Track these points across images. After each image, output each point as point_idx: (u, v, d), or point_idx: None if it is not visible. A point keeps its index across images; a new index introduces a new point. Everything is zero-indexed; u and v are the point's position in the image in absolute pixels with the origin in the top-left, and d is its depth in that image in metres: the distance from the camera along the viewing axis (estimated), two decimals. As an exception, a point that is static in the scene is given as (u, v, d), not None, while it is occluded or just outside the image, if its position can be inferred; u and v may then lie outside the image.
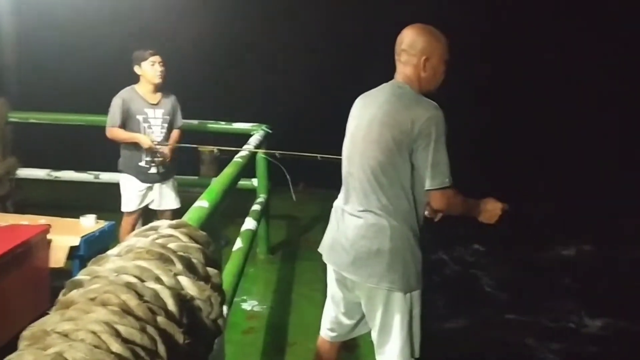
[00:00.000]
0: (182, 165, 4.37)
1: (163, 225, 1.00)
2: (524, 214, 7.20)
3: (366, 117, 2.18)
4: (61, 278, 3.01)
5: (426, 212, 2.22)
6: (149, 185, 3.98)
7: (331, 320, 2.40)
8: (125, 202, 3.98)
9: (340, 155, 2.32)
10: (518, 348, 4.72)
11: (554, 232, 7.18)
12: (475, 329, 4.94)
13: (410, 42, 2.13)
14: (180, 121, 4.09)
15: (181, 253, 0.92)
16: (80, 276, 0.82)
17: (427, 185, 2.06)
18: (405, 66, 2.15)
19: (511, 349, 4.69)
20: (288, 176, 3.69)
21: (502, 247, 6.67)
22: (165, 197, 4.06)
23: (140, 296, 0.75)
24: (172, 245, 0.93)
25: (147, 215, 4.05)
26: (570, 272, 6.19)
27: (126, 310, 0.72)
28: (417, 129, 2.01)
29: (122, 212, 4.00)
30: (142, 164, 3.91)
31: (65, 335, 0.66)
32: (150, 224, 0.99)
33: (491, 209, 2.22)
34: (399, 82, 2.17)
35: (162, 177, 4.00)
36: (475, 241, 6.79)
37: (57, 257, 3.08)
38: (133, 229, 3.84)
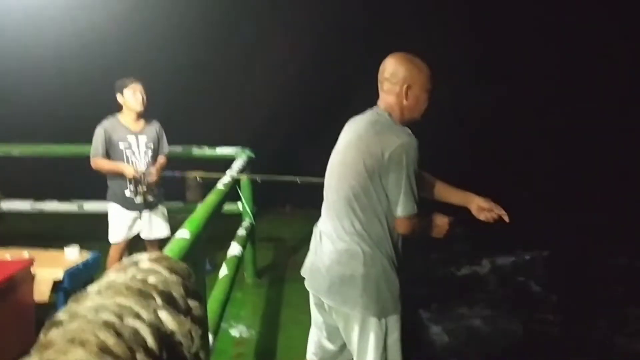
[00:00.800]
0: (168, 191, 4.36)
1: (143, 259, 1.01)
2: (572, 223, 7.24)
3: (343, 142, 2.22)
4: (46, 311, 3.00)
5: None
6: (136, 214, 3.97)
7: (315, 345, 2.40)
8: (113, 232, 3.95)
9: (319, 177, 2.35)
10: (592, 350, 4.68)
11: (607, 241, 7.17)
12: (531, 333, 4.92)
13: (393, 70, 2.16)
14: (166, 147, 4.11)
15: (161, 287, 0.92)
16: (60, 316, 0.82)
17: (398, 212, 2.08)
18: (387, 94, 2.18)
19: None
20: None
21: (548, 255, 6.72)
22: (154, 225, 4.06)
23: (118, 334, 0.76)
24: (152, 280, 0.93)
25: (135, 243, 4.03)
26: (624, 281, 6.12)
27: (104, 350, 0.72)
28: (388, 155, 2.03)
29: (109, 242, 3.98)
30: (128, 193, 3.91)
31: (43, 378, 0.67)
32: (131, 258, 1.00)
33: (440, 224, 2.25)
34: (379, 110, 2.20)
35: (149, 206, 4.00)
36: (519, 249, 6.85)
37: (42, 291, 3.06)
38: (121, 258, 3.81)
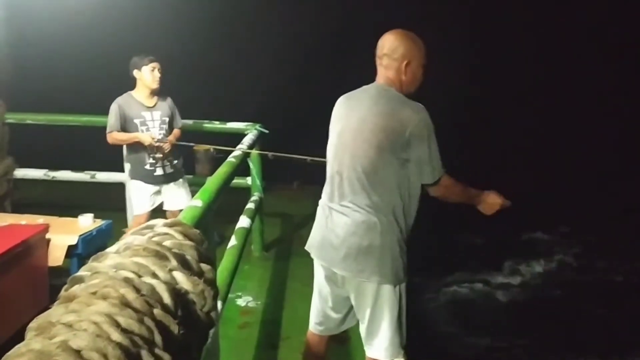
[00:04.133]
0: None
1: (159, 224, 1.07)
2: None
3: (354, 119, 2.24)
4: (60, 276, 3.08)
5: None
6: (157, 188, 4.05)
7: (319, 315, 2.47)
8: (137, 206, 4.05)
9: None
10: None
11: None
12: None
13: (392, 47, 2.23)
14: (179, 122, 4.18)
15: (176, 250, 0.98)
16: (82, 272, 0.88)
17: (428, 180, 2.19)
18: (387, 70, 2.25)
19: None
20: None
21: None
22: (175, 197, 4.13)
23: (137, 290, 0.81)
24: (167, 243, 0.99)
25: (156, 215, 4.11)
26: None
27: (125, 303, 0.78)
28: (409, 130, 2.11)
29: (119, 211, 4.06)
30: (148, 166, 3.97)
31: (69, 325, 0.72)
32: (147, 223, 1.06)
33: (491, 202, 2.34)
34: (384, 85, 2.25)
35: (168, 179, 4.07)
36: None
37: (56, 256, 3.14)
38: None
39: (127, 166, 4.11)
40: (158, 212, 4.06)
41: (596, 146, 9.45)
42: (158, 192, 4.08)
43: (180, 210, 4.05)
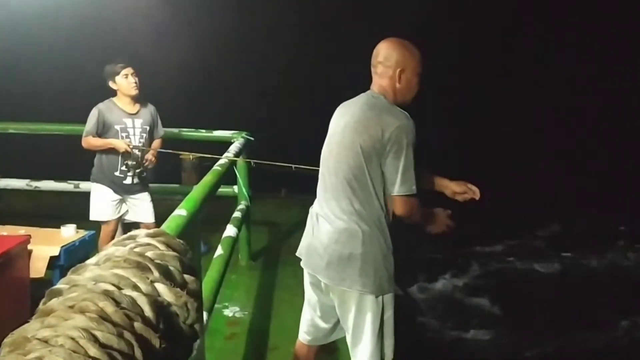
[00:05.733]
0: (164, 173, 4.38)
1: (141, 234, 1.04)
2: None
3: (341, 125, 2.26)
4: (42, 288, 3.01)
5: None
6: (121, 197, 3.98)
7: (308, 324, 2.45)
8: (97, 211, 3.94)
9: (314, 165, 2.39)
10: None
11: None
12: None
13: (386, 54, 2.22)
14: (161, 131, 4.12)
15: (158, 261, 0.95)
16: (60, 285, 0.85)
17: (395, 191, 2.14)
18: (381, 78, 2.24)
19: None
20: None
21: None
22: (139, 210, 4.05)
23: (117, 303, 0.78)
24: (149, 254, 0.96)
25: (128, 227, 4.04)
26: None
27: (104, 317, 0.75)
28: (387, 136, 2.09)
29: (101, 223, 3.98)
30: (117, 173, 3.90)
31: (45, 341, 0.69)
32: (129, 233, 1.03)
33: (439, 219, 2.33)
34: (374, 93, 2.25)
35: (135, 189, 4.00)
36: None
37: (38, 267, 3.09)
38: (112, 239, 3.81)
39: (94, 168, 4.00)
40: (133, 226, 4.00)
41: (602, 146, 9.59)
42: (122, 201, 4.00)
43: (151, 223, 4.04)
